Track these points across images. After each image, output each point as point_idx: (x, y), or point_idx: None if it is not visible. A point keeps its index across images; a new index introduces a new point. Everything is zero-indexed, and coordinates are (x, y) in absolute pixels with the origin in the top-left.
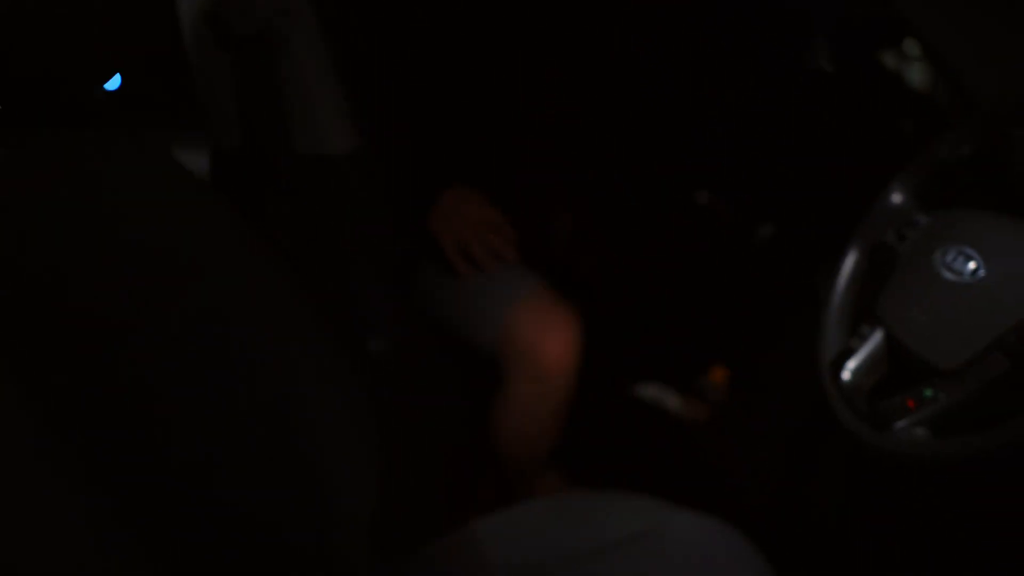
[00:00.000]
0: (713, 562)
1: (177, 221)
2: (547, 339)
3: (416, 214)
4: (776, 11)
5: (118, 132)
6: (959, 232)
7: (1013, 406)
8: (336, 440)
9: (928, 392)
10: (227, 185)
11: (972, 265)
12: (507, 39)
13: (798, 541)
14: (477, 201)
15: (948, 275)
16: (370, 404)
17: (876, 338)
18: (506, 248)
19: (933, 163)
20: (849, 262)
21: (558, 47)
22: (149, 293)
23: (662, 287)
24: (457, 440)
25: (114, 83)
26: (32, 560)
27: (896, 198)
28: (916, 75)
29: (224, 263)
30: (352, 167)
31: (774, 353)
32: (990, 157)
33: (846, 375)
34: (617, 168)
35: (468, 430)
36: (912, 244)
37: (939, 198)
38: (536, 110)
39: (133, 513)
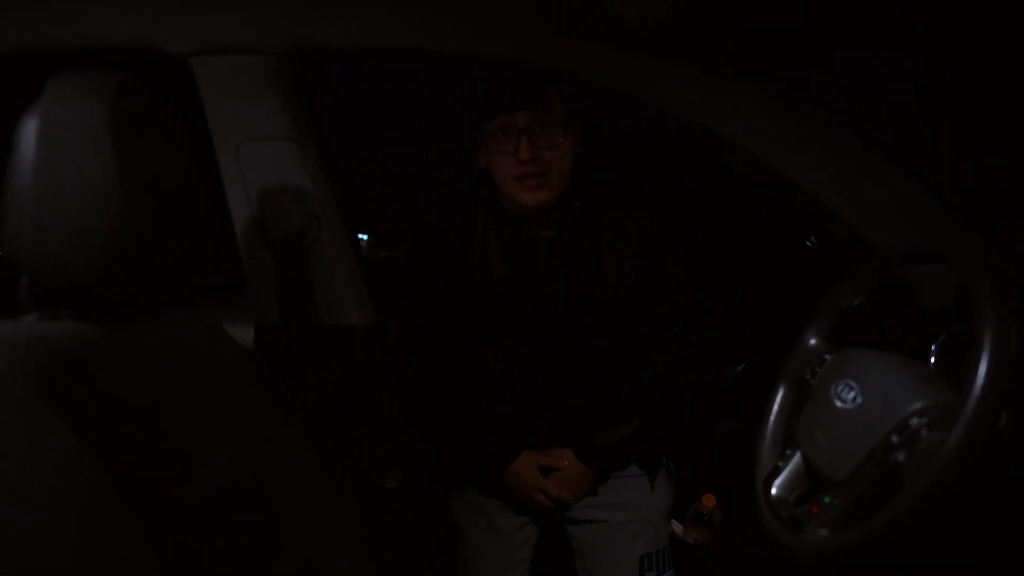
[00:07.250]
0: None
1: (225, 381)
2: None
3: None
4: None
5: (185, 313)
6: (846, 367)
7: (881, 505)
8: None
9: (827, 499)
10: (267, 352)
11: (853, 394)
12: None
13: None
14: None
15: (838, 403)
16: (386, 537)
17: (796, 458)
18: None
19: (834, 310)
20: (777, 396)
21: None
22: (203, 441)
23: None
24: None
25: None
26: None
27: (811, 340)
28: None
29: (260, 416)
30: (365, 336)
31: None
32: (877, 302)
33: (774, 491)
34: None
35: None
36: (819, 379)
37: (843, 338)
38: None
39: None
